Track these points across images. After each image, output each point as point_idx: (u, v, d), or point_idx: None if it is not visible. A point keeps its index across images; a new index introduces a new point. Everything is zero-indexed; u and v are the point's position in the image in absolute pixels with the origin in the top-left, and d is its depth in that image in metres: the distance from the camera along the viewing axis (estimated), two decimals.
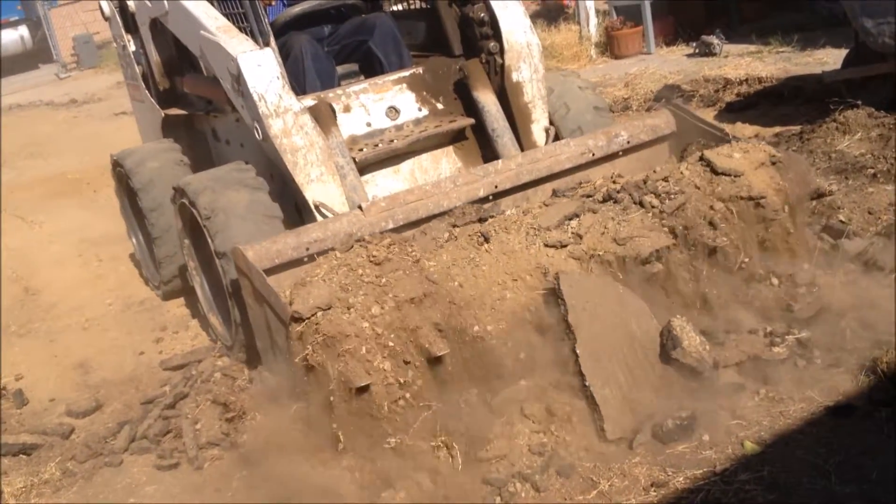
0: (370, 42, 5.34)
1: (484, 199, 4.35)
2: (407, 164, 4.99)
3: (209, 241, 4.54)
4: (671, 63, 10.47)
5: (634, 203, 4.10)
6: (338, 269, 3.63)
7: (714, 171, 4.17)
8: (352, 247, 3.78)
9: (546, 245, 3.90)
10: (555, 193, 4.42)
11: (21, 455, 4.35)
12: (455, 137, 5.08)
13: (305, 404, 3.61)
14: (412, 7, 6.00)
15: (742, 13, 11.68)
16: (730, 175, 4.14)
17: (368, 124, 4.90)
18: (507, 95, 4.96)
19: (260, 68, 4.37)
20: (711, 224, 4.07)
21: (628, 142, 4.68)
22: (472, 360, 3.67)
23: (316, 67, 5.10)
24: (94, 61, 24.30)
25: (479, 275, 3.77)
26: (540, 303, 3.76)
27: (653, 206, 4.07)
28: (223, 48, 4.54)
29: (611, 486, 3.28)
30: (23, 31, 27.23)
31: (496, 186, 4.38)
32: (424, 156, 5.03)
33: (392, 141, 4.87)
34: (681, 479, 3.24)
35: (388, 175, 4.94)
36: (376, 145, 4.84)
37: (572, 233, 3.96)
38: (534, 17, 14.77)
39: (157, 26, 5.90)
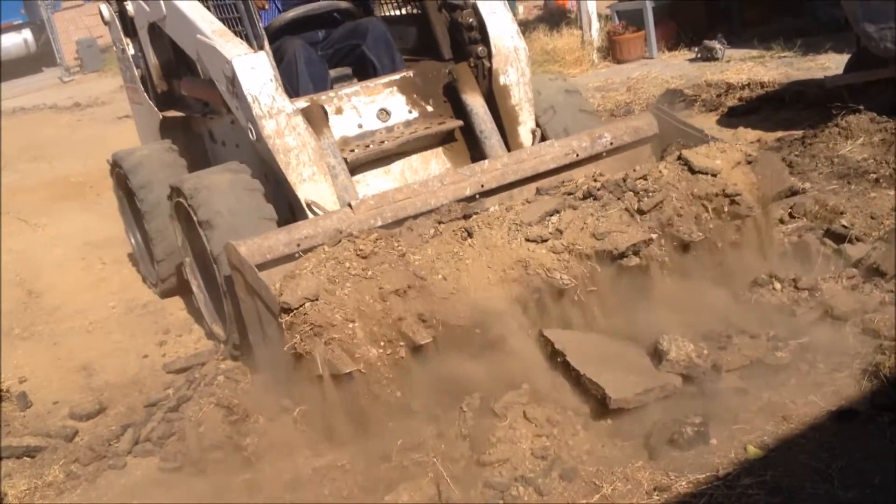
0: (363, 46, 5.45)
1: (470, 198, 4.44)
2: (397, 165, 5.11)
3: (193, 216, 4.72)
4: (673, 67, 10.48)
5: (613, 200, 4.19)
6: (326, 263, 3.73)
7: (691, 170, 4.29)
8: (339, 241, 3.87)
9: (527, 240, 4.01)
10: (538, 192, 4.50)
11: (25, 457, 4.36)
12: (444, 139, 5.19)
13: (298, 394, 3.74)
14: (404, 12, 6.13)
15: (744, 18, 11.67)
16: (706, 173, 4.27)
17: (360, 126, 5.02)
18: (494, 98, 5.08)
19: (254, 71, 4.51)
20: (687, 220, 4.17)
21: (611, 143, 4.79)
22: (453, 348, 3.76)
23: (309, 71, 5.20)
24: (97, 65, 24.35)
25: (462, 268, 3.89)
26: (522, 297, 3.89)
27: (632, 203, 4.17)
28: (218, 51, 4.67)
29: (613, 489, 3.28)
30: (26, 34, 27.27)
31: (482, 186, 4.48)
32: (414, 157, 5.15)
33: (383, 142, 4.98)
34: (683, 483, 3.24)
35: (379, 175, 5.07)
36: (367, 146, 4.96)
37: (553, 228, 4.07)
38: (536, 21, 14.82)
39: (155, 30, 5.99)
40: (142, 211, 5.79)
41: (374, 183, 5.01)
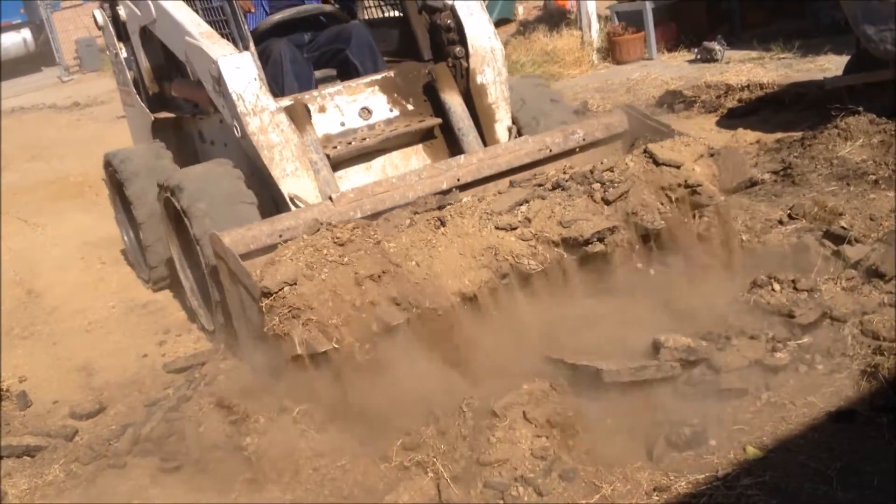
0: (347, 51, 5.64)
1: (447, 192, 4.58)
2: (378, 161, 5.29)
3: (177, 205, 4.93)
4: (673, 69, 10.49)
5: (580, 190, 4.35)
6: (304, 250, 3.87)
7: (656, 163, 4.44)
8: (318, 230, 4.00)
9: (497, 228, 4.17)
10: (511, 185, 4.65)
11: (25, 457, 4.37)
12: (424, 136, 5.38)
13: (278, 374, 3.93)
14: (386, 15, 6.31)
15: (744, 19, 11.68)
16: (670, 166, 4.42)
17: (342, 124, 5.19)
18: (472, 97, 5.26)
19: (239, 70, 4.68)
20: (651, 210, 4.31)
21: (584, 139, 4.98)
22: (427, 330, 3.89)
23: (294, 70, 5.37)
24: (96, 64, 24.31)
25: (434, 255, 4.04)
26: (492, 280, 4.05)
27: (598, 194, 4.33)
28: (205, 52, 4.84)
29: (613, 490, 3.28)
30: (25, 34, 27.23)
31: (458, 180, 4.64)
32: (395, 153, 5.34)
33: (364, 139, 5.15)
34: (683, 483, 3.25)
35: (361, 171, 5.24)
36: (349, 143, 5.14)
37: (522, 217, 4.23)
38: (536, 21, 14.81)
39: (146, 34, 6.17)
40: (132, 208, 5.96)
41: (355, 178, 5.18)
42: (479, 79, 5.22)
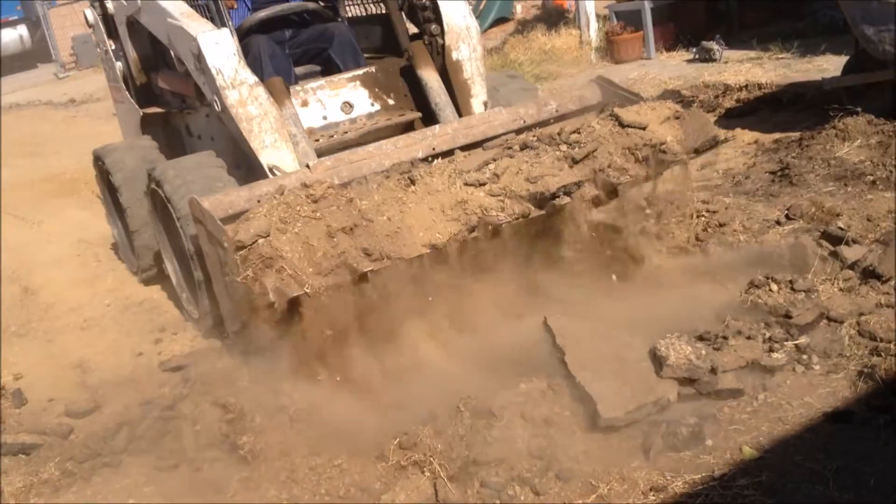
0: (330, 50, 5.75)
1: (422, 161, 4.66)
2: None
3: (161, 193, 5.08)
4: (671, 68, 10.48)
5: (548, 150, 4.45)
6: (277, 207, 3.93)
7: (622, 125, 4.54)
8: (290, 190, 4.09)
9: (466, 184, 4.26)
10: (482, 150, 4.75)
11: (20, 455, 4.35)
12: (404, 130, 5.40)
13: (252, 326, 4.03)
14: (368, 13, 6.49)
15: (742, 19, 11.68)
16: (635, 127, 4.53)
17: (324, 118, 5.29)
18: (448, 73, 5.36)
19: (218, 46, 4.78)
20: (617, 167, 4.42)
21: (557, 110, 5.08)
22: (397, 280, 4.03)
23: (274, 64, 5.43)
24: (92, 61, 24.20)
25: (405, 211, 4.12)
26: (461, 233, 4.15)
27: (565, 153, 4.42)
28: (186, 31, 4.96)
29: (610, 489, 3.28)
30: (22, 30, 27.23)
31: (434, 149, 4.74)
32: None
33: (346, 133, 5.25)
34: (679, 483, 3.25)
35: None
36: (331, 136, 5.24)
37: (490, 174, 4.32)
38: (534, 20, 14.80)
39: (132, 25, 6.32)
40: (121, 202, 6.07)
41: None
42: (454, 55, 5.33)
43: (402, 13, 5.78)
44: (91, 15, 6.87)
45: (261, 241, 3.76)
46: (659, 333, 3.94)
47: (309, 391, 4.07)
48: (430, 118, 5.31)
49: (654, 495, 3.22)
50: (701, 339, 3.95)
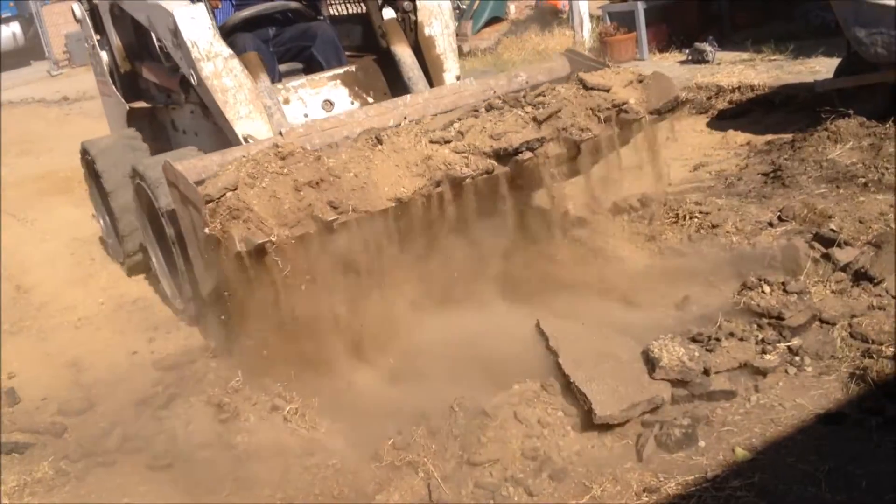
0: (313, 48, 5.86)
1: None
2: None
3: (144, 186, 5.22)
4: (664, 69, 10.32)
5: (512, 111, 4.55)
6: (246, 164, 4.04)
7: (585, 87, 4.64)
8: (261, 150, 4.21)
9: (431, 142, 4.35)
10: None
11: (13, 454, 4.35)
12: None
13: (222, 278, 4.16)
14: (350, 12, 6.59)
15: (735, 21, 11.70)
16: (599, 90, 4.62)
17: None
18: (421, 49, 5.52)
19: (193, 20, 4.89)
20: (580, 126, 4.49)
21: (527, 82, 5.14)
22: (363, 233, 4.12)
23: None
24: (85, 59, 24.15)
25: (372, 167, 4.20)
26: (426, 187, 4.23)
27: (529, 113, 4.52)
28: (162, 7, 5.07)
29: (603, 490, 3.30)
30: (15, 27, 27.13)
31: (405, 117, 4.81)
32: None
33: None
34: (672, 485, 3.26)
35: None
36: None
37: (455, 132, 4.41)
38: (528, 21, 14.81)
39: (116, 13, 6.44)
40: (106, 191, 6.24)
41: None
42: (426, 31, 5.49)
43: (381, 13, 5.88)
44: (79, 10, 7.00)
45: (229, 194, 3.85)
46: (652, 335, 3.97)
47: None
48: (403, 93, 5.40)
49: (647, 496, 3.24)
50: (694, 340, 3.97)
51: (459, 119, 4.52)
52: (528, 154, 4.38)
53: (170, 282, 5.70)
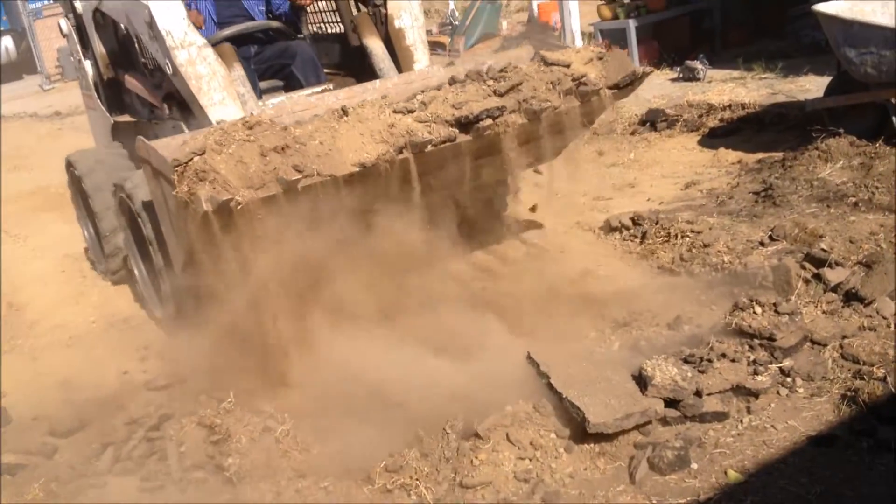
0: (292, 66, 6.01)
1: None
2: None
3: (127, 201, 5.35)
4: (655, 87, 10.54)
5: (474, 84, 4.73)
6: (214, 132, 4.15)
7: (546, 63, 4.85)
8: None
9: (395, 112, 4.50)
10: None
11: (4, 475, 4.32)
12: None
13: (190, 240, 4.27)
14: (329, 32, 6.77)
15: (726, 39, 11.79)
16: (559, 65, 4.83)
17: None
18: (391, 41, 5.71)
19: (168, 11, 5.00)
20: (540, 98, 4.64)
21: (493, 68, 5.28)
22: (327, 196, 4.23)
23: None
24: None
25: (337, 136, 4.31)
26: (389, 153, 4.32)
27: (490, 86, 4.68)
28: (139, 2, 5.12)
29: None
30: (7, 41, 27.17)
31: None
32: None
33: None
34: None
35: None
36: None
37: (419, 102, 4.58)
38: (520, 37, 14.85)
39: (98, 19, 6.53)
40: (89, 200, 6.43)
41: None
42: (396, 23, 5.66)
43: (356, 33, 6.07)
44: (65, 25, 7.11)
45: (196, 158, 3.95)
46: (643, 355, 3.98)
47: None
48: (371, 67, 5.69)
49: None
50: (686, 361, 3.97)
51: (423, 91, 4.72)
52: (489, 121, 4.49)
53: (150, 289, 5.81)
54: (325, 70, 6.09)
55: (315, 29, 6.89)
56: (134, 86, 6.38)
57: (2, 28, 27.44)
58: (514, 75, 4.70)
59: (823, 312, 4.33)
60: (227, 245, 4.10)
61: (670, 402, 3.74)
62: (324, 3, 6.71)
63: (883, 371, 3.77)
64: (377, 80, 5.16)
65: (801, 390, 3.84)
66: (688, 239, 5.50)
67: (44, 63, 25.33)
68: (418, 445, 3.66)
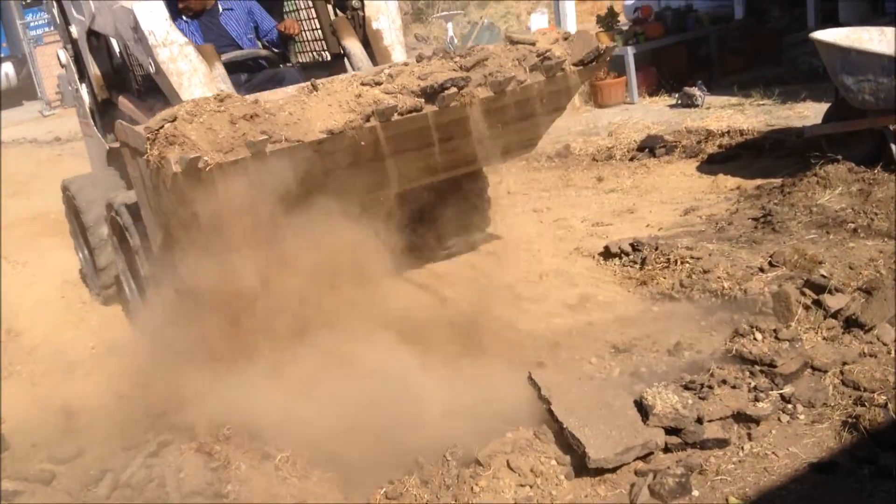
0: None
1: None
2: None
3: (117, 219, 5.59)
4: (654, 113, 10.59)
5: (441, 61, 4.95)
6: (186, 105, 4.34)
7: (512, 43, 5.10)
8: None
9: (362, 84, 4.69)
10: None
11: (3, 502, 4.30)
12: None
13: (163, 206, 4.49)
14: (317, 59, 6.97)
15: (724, 65, 11.84)
16: (525, 43, 5.06)
17: None
18: (370, 42, 5.89)
19: (151, 12, 5.17)
20: (505, 72, 4.81)
21: None
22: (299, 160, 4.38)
23: None
24: None
25: (306, 108, 4.49)
26: (357, 121, 4.48)
27: (456, 63, 4.88)
28: (124, 6, 5.33)
29: None
30: (7, 68, 27.30)
31: None
32: None
33: None
34: None
35: None
36: None
37: (386, 75, 4.77)
38: None
39: (92, 41, 6.66)
40: (84, 223, 6.61)
41: None
42: (374, 25, 5.87)
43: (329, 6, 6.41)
44: (63, 56, 7.28)
45: (167, 125, 4.12)
46: (644, 382, 3.98)
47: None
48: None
49: None
50: (686, 388, 3.97)
51: (391, 66, 4.93)
52: (454, 90, 4.62)
53: (139, 303, 5.92)
54: None
55: (304, 59, 7.08)
56: (127, 107, 6.46)
57: (2, 54, 27.53)
58: (481, 52, 4.90)
59: (824, 339, 4.33)
60: (199, 211, 4.26)
61: (671, 430, 3.73)
62: (311, 32, 6.89)
63: (884, 398, 3.76)
64: (350, 72, 5.31)
65: (802, 417, 3.83)
66: (687, 265, 5.51)
67: (44, 89, 25.45)
68: (418, 472, 3.65)
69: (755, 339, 4.26)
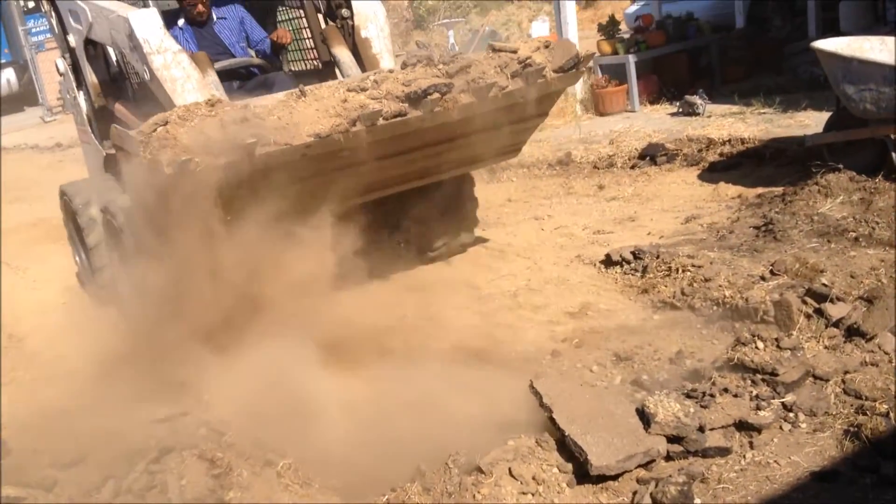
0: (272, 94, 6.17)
1: None
2: None
3: (112, 220, 5.72)
4: (655, 121, 10.60)
5: (425, 68, 5.04)
6: (178, 110, 4.48)
7: (494, 51, 5.22)
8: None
9: (348, 90, 4.84)
10: None
11: None
12: None
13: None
14: (308, 68, 7.13)
15: (725, 74, 11.86)
16: (507, 51, 5.19)
17: None
18: (359, 50, 6.05)
19: (145, 20, 5.32)
20: (488, 79, 4.96)
21: None
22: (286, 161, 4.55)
23: None
24: None
25: (294, 113, 4.63)
26: (343, 125, 4.65)
27: (440, 69, 4.99)
28: (119, 15, 5.46)
29: None
30: (9, 74, 27.29)
31: None
32: None
33: None
34: None
35: None
36: None
37: (371, 81, 4.91)
38: None
39: (89, 50, 6.78)
40: (80, 225, 6.65)
41: None
42: (363, 33, 6.04)
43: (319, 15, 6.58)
44: (62, 65, 7.40)
45: (159, 129, 4.25)
46: (645, 390, 3.98)
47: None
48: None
49: None
50: (688, 396, 3.97)
51: (377, 73, 5.04)
52: (437, 95, 4.78)
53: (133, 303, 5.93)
54: None
55: (296, 68, 7.17)
56: (123, 114, 6.54)
57: (4, 60, 27.56)
58: (464, 60, 5.03)
59: (825, 347, 4.34)
60: (190, 209, 4.41)
61: (673, 438, 3.73)
62: (304, 41, 6.97)
63: (885, 406, 3.77)
64: (338, 80, 5.42)
65: (803, 425, 3.84)
66: (689, 273, 5.52)
67: (45, 95, 25.43)
68: (420, 479, 3.64)
69: (757, 347, 4.27)
